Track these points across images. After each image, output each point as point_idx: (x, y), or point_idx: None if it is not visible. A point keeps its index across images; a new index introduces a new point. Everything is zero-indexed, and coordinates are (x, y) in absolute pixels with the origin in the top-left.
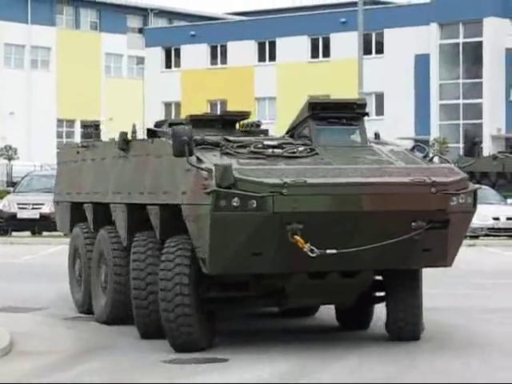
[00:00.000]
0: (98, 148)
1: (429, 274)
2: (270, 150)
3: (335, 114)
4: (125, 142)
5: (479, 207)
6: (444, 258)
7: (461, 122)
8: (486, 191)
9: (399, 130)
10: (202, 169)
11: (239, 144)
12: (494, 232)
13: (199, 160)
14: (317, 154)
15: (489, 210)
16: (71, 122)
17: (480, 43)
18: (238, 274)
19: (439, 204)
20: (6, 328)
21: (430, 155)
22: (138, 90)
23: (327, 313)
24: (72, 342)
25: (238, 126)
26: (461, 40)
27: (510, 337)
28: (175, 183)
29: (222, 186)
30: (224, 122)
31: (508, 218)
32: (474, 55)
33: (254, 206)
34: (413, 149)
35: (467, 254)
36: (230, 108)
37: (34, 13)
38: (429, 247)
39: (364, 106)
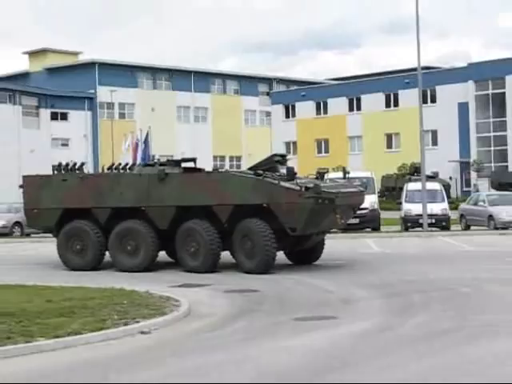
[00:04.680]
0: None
1: None
2: None
3: None
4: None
5: None
6: None
7: (491, 148)
8: None
9: (449, 155)
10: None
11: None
12: None
13: None
14: None
15: None
16: (222, 157)
17: (503, 94)
18: None
19: None
20: (186, 298)
21: None
22: (267, 134)
23: None
24: (229, 308)
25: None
26: (490, 91)
27: None
28: None
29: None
30: (175, 164)
31: None
32: (499, 102)
33: None
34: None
35: None
36: (331, 145)
37: (196, 82)
38: None
39: None
